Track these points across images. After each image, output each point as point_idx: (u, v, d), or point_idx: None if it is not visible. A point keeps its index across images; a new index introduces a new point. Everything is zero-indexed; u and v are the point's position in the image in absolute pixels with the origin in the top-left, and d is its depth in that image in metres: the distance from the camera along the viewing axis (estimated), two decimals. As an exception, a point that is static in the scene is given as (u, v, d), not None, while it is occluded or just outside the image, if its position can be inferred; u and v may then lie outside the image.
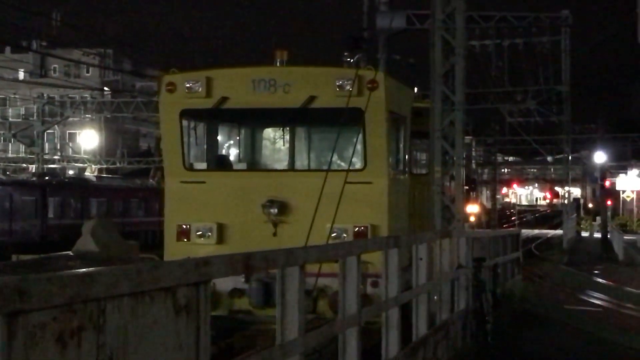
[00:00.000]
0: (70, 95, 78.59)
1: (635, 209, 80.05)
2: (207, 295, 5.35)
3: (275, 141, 15.81)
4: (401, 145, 15.43)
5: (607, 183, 71.60)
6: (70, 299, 4.03)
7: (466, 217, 24.75)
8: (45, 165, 71.59)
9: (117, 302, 4.43)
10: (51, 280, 3.92)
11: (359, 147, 13.99)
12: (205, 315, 5.31)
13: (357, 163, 14.10)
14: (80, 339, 4.14)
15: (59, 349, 4.00)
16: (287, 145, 15.15)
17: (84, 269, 4.37)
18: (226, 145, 16.16)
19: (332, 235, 13.27)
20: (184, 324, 5.10)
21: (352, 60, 15.53)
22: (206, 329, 5.34)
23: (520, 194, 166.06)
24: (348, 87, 13.64)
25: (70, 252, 18.60)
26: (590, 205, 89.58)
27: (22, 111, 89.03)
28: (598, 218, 68.13)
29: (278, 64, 14.54)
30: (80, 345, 4.14)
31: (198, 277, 5.24)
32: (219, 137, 15.93)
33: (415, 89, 21.33)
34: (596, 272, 38.22)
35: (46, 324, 3.91)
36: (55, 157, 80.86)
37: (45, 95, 77.23)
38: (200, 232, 14.16)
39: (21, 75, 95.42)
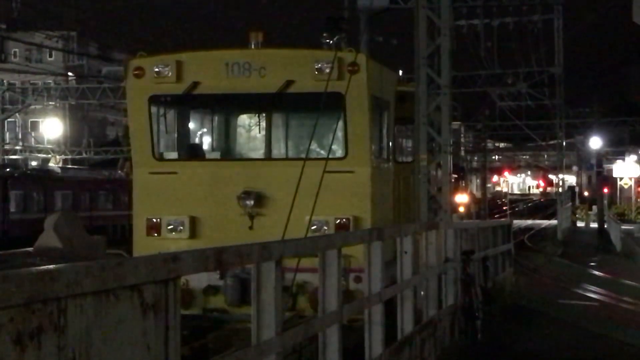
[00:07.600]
0: (32, 82, 78.30)
1: (633, 197, 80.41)
2: (177, 293, 5.34)
3: (250, 128, 15.78)
4: (384, 132, 15.43)
5: (604, 170, 71.99)
6: (28, 298, 4.01)
7: (454, 207, 24.85)
8: (6, 156, 71.31)
9: (80, 301, 4.41)
10: (8, 279, 3.90)
11: (339, 134, 13.98)
12: (174, 314, 5.30)
13: (338, 151, 14.10)
14: (40, 340, 4.12)
15: (17, 351, 3.98)
16: (263, 132, 15.11)
17: (44, 266, 4.35)
18: (198, 133, 16.12)
19: (312, 227, 13.27)
20: (151, 323, 5.09)
21: (331, 42, 15.50)
22: (176, 329, 5.33)
23: (512, 182, 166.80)
24: (327, 71, 13.63)
25: (31, 249, 18.53)
26: (586, 194, 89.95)
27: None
28: (594, 207, 68.50)
29: (253, 46, 14.50)
30: (40, 347, 4.13)
31: (166, 273, 5.24)
32: (191, 125, 15.89)
33: (400, 72, 21.36)
34: (592, 264, 38.48)
35: (3, 325, 3.89)
36: (17, 147, 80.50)
37: (5, 81, 76.80)
38: (171, 226, 14.14)
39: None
